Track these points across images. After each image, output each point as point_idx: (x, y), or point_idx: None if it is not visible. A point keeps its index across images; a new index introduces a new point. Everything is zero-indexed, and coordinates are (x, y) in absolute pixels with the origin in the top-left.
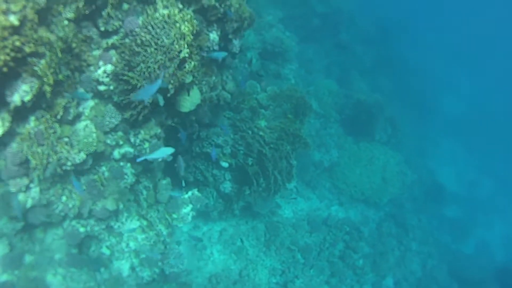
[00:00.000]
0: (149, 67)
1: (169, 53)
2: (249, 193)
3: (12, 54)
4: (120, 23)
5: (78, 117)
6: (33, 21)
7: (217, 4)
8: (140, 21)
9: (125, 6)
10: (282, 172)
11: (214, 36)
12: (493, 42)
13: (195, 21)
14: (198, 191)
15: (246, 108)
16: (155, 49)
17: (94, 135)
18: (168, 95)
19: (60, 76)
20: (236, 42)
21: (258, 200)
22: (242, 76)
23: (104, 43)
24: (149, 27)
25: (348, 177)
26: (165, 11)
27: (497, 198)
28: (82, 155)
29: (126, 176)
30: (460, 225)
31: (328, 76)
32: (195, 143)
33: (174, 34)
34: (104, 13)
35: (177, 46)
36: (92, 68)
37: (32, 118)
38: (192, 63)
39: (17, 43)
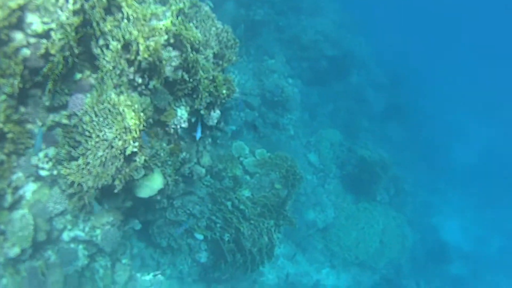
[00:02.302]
0: (89, 163)
1: (111, 148)
2: (224, 268)
3: None
4: (68, 98)
5: (17, 202)
6: None
7: (186, 77)
8: (87, 101)
9: (78, 76)
10: (262, 250)
11: (182, 112)
12: (508, 92)
13: (142, 113)
14: (161, 274)
15: (229, 176)
16: (96, 142)
17: (31, 228)
18: (115, 191)
19: None
20: (213, 114)
21: (235, 274)
22: None
23: (49, 120)
24: (92, 114)
25: (343, 240)
26: (112, 96)
27: (506, 256)
28: (16, 250)
29: (76, 260)
30: (464, 283)
31: (333, 122)
32: (168, 210)
33: (117, 129)
34: (46, 89)
35: (120, 143)
36: (31, 150)
37: None
38: (143, 157)
39: None
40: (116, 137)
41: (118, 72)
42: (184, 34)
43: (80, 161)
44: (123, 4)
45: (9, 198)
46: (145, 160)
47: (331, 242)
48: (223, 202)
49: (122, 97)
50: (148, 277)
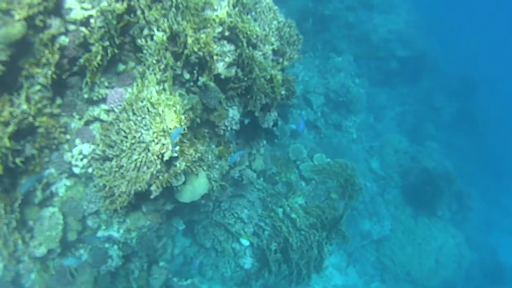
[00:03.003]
0: (122, 166)
1: (148, 152)
2: (268, 277)
3: None
4: (107, 92)
5: (48, 199)
6: None
7: (240, 75)
8: (126, 96)
9: (121, 67)
10: (310, 263)
11: (234, 112)
12: None
13: (185, 114)
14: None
15: (282, 181)
16: (132, 144)
17: (60, 228)
18: (152, 197)
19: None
20: (269, 116)
21: (278, 284)
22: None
23: (87, 113)
24: (130, 112)
25: (397, 255)
26: (153, 93)
27: None
28: (43, 250)
29: (109, 260)
30: None
31: (399, 126)
32: (215, 211)
33: (155, 131)
34: (84, 81)
35: (157, 147)
36: (66, 146)
37: None
38: (183, 163)
39: None
40: (154, 140)
41: (162, 66)
42: (240, 27)
43: (114, 162)
44: None
45: (39, 194)
46: (187, 166)
47: (385, 255)
48: (274, 209)
49: (163, 96)
50: (186, 282)
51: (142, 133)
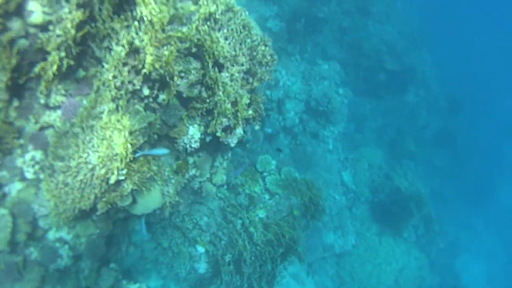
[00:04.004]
0: (68, 184)
1: (93, 174)
2: (220, 285)
3: None
4: (64, 100)
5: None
6: None
7: (204, 95)
8: (80, 110)
9: (81, 73)
10: (262, 278)
11: (194, 131)
12: None
13: (134, 140)
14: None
15: (246, 193)
16: (78, 163)
17: (9, 230)
18: (98, 213)
19: None
20: (233, 136)
21: None
22: (239, 164)
23: (42, 119)
24: (79, 129)
25: (357, 271)
26: (104, 113)
27: None
28: None
29: (59, 259)
30: None
31: (379, 138)
32: (175, 214)
33: (100, 156)
34: (39, 88)
35: (102, 171)
36: (19, 150)
37: None
38: (130, 186)
39: None
40: (99, 164)
41: (118, 83)
42: (208, 46)
43: (60, 178)
44: (140, 1)
45: None
46: (137, 185)
47: (344, 270)
48: (233, 220)
49: (114, 117)
50: (134, 286)
51: (89, 154)
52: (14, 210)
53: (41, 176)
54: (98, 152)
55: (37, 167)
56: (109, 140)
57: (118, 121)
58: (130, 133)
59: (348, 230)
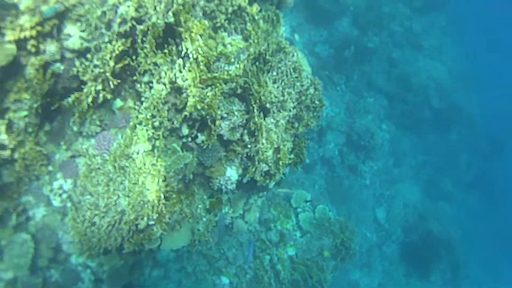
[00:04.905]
0: (95, 223)
1: (122, 217)
2: None
3: None
4: (98, 130)
5: (23, 223)
6: None
7: (246, 139)
8: (114, 146)
9: (118, 104)
10: None
11: (232, 172)
12: None
13: (167, 185)
14: None
15: (277, 228)
16: (107, 204)
17: (30, 257)
18: (124, 252)
19: None
20: (273, 180)
21: None
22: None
23: (75, 146)
24: (111, 167)
25: None
26: (139, 154)
27: None
28: (10, 275)
29: (80, 282)
30: None
31: (417, 176)
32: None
33: (130, 203)
34: (73, 119)
35: (132, 217)
36: (47, 177)
37: None
38: (160, 231)
39: None
40: (129, 210)
41: (156, 123)
42: (255, 90)
43: (88, 215)
44: (186, 36)
45: (13, 219)
46: (166, 229)
47: None
48: (261, 256)
49: (149, 161)
50: None
51: (119, 197)
52: (37, 235)
53: (69, 205)
54: (128, 197)
55: (64, 195)
56: (141, 187)
57: (153, 165)
58: (164, 179)
59: (376, 269)
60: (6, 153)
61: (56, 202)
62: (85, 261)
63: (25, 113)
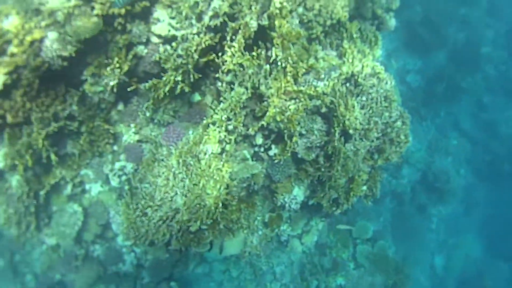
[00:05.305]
0: (146, 214)
1: (174, 215)
2: None
3: None
4: (171, 120)
5: (78, 194)
6: None
7: (321, 161)
8: (182, 141)
9: (196, 98)
10: None
11: (299, 192)
12: None
13: (228, 194)
14: None
15: (332, 256)
16: (162, 198)
17: (77, 228)
18: (169, 248)
19: None
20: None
21: None
22: None
23: (144, 131)
24: (175, 163)
25: None
26: (206, 154)
27: None
28: (53, 241)
29: (121, 264)
30: None
31: (484, 229)
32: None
33: (186, 204)
34: (146, 104)
35: (185, 218)
36: (110, 156)
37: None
38: (211, 237)
39: None
40: (184, 210)
41: (230, 127)
42: (340, 113)
43: (141, 204)
44: (278, 42)
45: (69, 188)
46: (219, 236)
47: None
48: (308, 279)
49: (214, 163)
50: None
51: (176, 194)
52: (89, 209)
53: (126, 187)
54: (186, 197)
55: (124, 178)
56: (201, 190)
57: (218, 169)
58: (227, 186)
59: None
60: (74, 124)
61: (114, 182)
62: (132, 245)
63: (101, 88)
